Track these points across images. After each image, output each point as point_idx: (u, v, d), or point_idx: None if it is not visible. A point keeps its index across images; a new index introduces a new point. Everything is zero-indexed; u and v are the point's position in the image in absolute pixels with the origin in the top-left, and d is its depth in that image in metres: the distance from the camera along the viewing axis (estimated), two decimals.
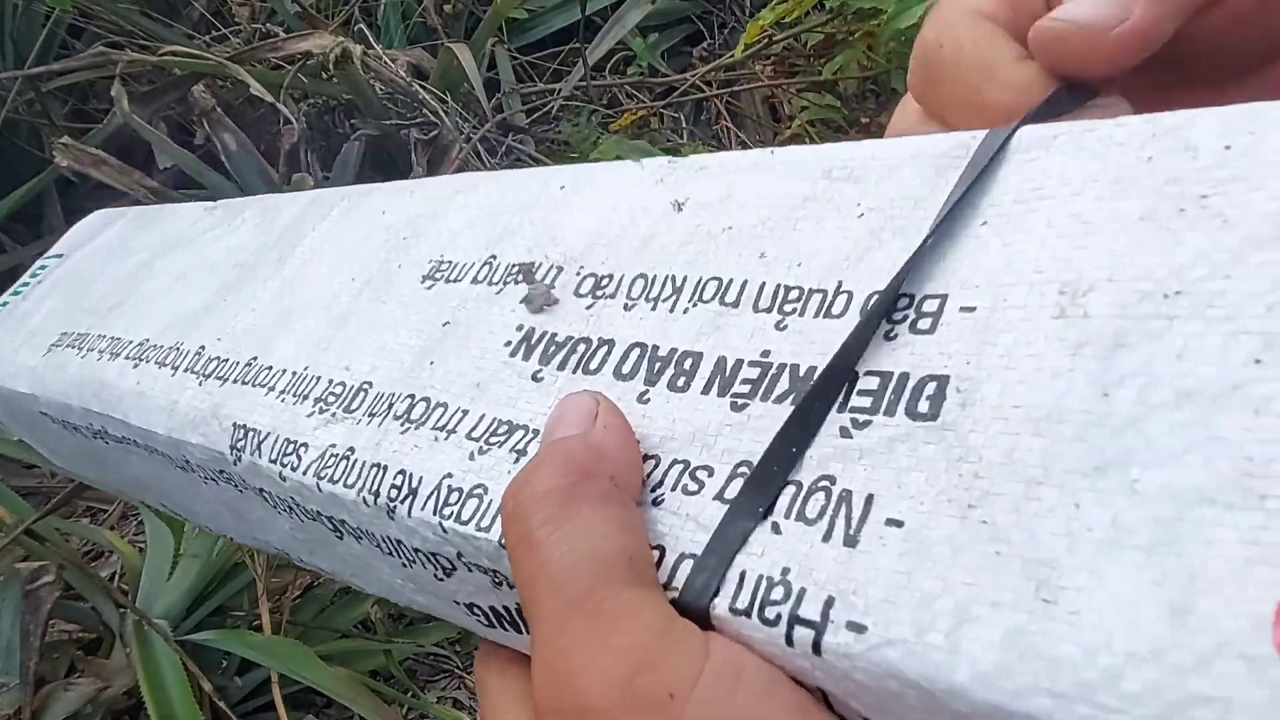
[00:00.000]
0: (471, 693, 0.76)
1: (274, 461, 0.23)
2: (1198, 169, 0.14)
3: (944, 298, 0.16)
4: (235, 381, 0.26)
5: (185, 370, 0.28)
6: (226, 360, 0.27)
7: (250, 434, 0.24)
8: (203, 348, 0.28)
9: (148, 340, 0.30)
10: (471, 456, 0.20)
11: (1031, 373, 0.14)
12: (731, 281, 0.19)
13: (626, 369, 0.19)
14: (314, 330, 0.26)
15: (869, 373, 0.15)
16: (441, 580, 0.21)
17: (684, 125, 1.20)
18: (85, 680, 0.66)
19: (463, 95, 1.06)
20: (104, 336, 0.32)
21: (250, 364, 0.26)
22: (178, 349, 0.29)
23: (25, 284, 0.40)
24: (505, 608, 0.20)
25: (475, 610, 0.21)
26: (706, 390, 0.18)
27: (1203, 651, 0.10)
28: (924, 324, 0.15)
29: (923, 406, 0.15)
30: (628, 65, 1.25)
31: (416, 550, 0.21)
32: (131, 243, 0.39)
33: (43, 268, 0.41)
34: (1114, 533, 0.12)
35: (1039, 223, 0.15)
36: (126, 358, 0.30)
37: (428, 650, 0.77)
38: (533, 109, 1.18)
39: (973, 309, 0.15)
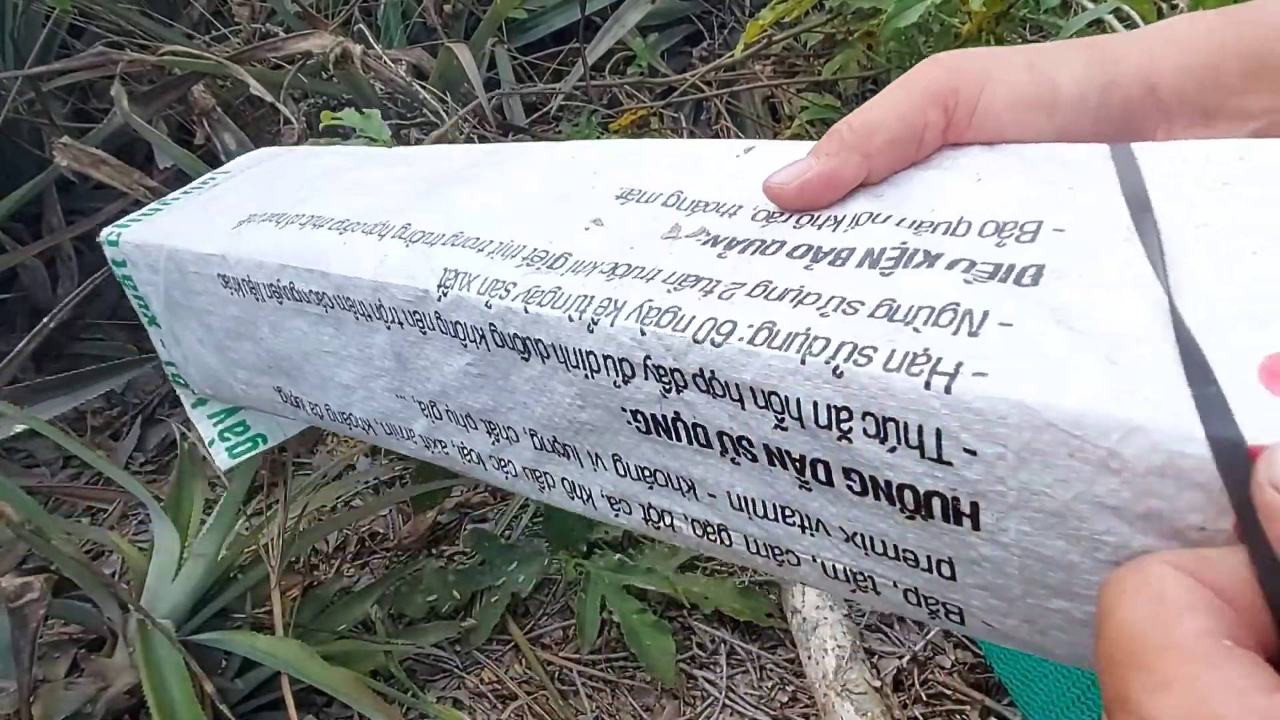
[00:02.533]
0: (472, 693, 0.76)
1: (481, 294, 0.30)
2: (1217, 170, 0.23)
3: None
4: (444, 245, 0.32)
5: (392, 238, 0.34)
6: (433, 233, 0.33)
7: (460, 275, 0.31)
8: (409, 224, 0.34)
9: (349, 219, 0.36)
10: (668, 291, 0.26)
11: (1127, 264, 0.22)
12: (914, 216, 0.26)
13: (844, 259, 0.26)
14: (515, 219, 0.32)
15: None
16: (618, 387, 0.27)
17: (684, 125, 1.20)
18: (86, 679, 0.66)
19: (462, 95, 1.06)
20: (302, 215, 0.38)
21: (457, 235, 0.33)
22: (384, 224, 0.35)
23: (195, 189, 0.47)
24: (664, 415, 0.27)
25: (637, 417, 0.28)
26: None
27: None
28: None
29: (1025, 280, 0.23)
30: (628, 65, 1.25)
31: (606, 358, 0.27)
32: (308, 162, 0.47)
33: (211, 179, 0.48)
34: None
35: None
36: (329, 229, 0.36)
37: (427, 650, 0.77)
38: (532, 109, 1.18)
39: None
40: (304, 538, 0.79)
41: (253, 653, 0.65)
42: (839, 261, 0.25)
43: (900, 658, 0.77)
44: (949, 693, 0.74)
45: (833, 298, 0.24)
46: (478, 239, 0.32)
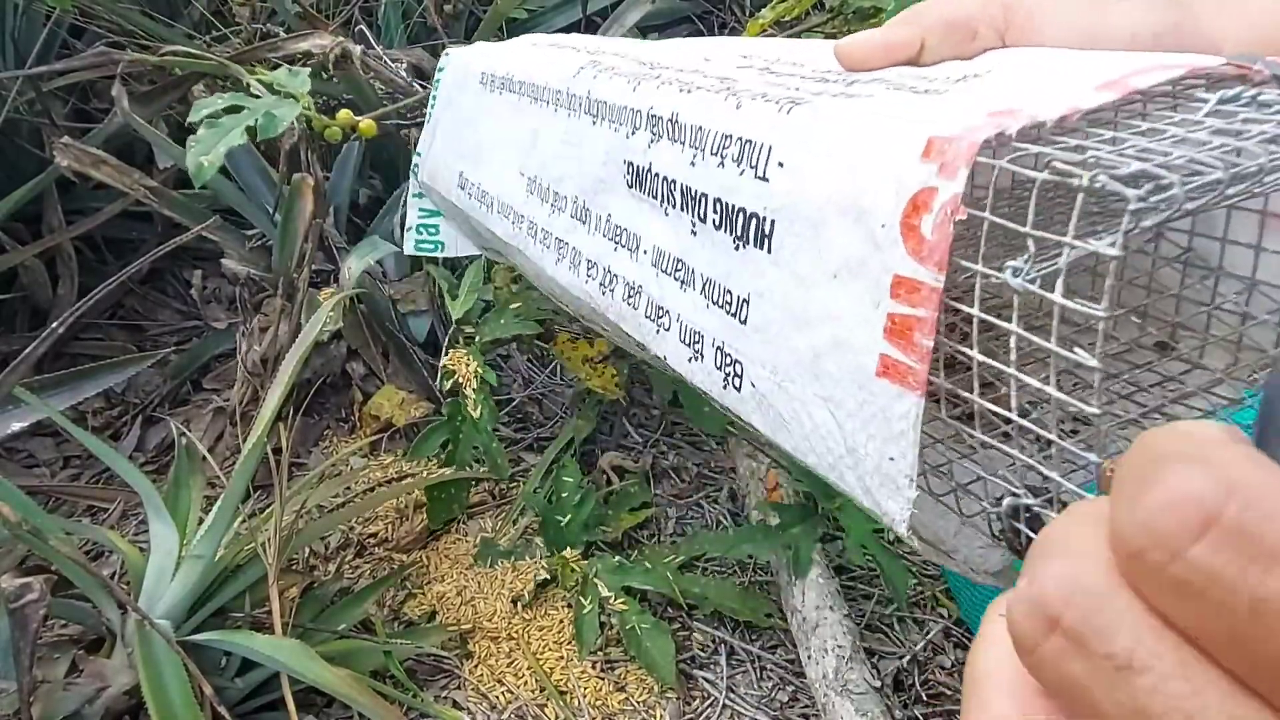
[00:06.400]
0: (471, 693, 0.76)
1: (596, 76, 0.41)
2: None
3: None
4: (606, 53, 0.45)
5: (585, 53, 0.46)
6: (605, 52, 0.45)
7: (596, 65, 0.42)
8: (601, 49, 0.47)
9: (575, 46, 0.49)
10: (700, 79, 0.36)
11: None
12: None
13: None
14: (667, 57, 0.42)
15: None
16: (628, 138, 0.37)
17: None
18: (85, 680, 0.66)
19: None
20: (552, 42, 0.52)
21: (618, 53, 0.45)
22: (589, 49, 0.47)
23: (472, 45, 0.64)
24: (643, 166, 0.36)
25: (630, 169, 0.38)
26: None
27: None
28: None
29: None
30: None
31: (633, 111, 0.37)
32: (532, 39, 0.62)
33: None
34: None
35: None
36: (557, 48, 0.50)
37: (428, 650, 0.77)
38: None
39: None
40: (301, 536, 0.79)
41: (252, 653, 0.65)
42: (802, 94, 0.31)
43: (900, 658, 0.77)
44: (949, 693, 0.74)
45: (772, 92, 0.31)
46: (627, 58, 0.44)
